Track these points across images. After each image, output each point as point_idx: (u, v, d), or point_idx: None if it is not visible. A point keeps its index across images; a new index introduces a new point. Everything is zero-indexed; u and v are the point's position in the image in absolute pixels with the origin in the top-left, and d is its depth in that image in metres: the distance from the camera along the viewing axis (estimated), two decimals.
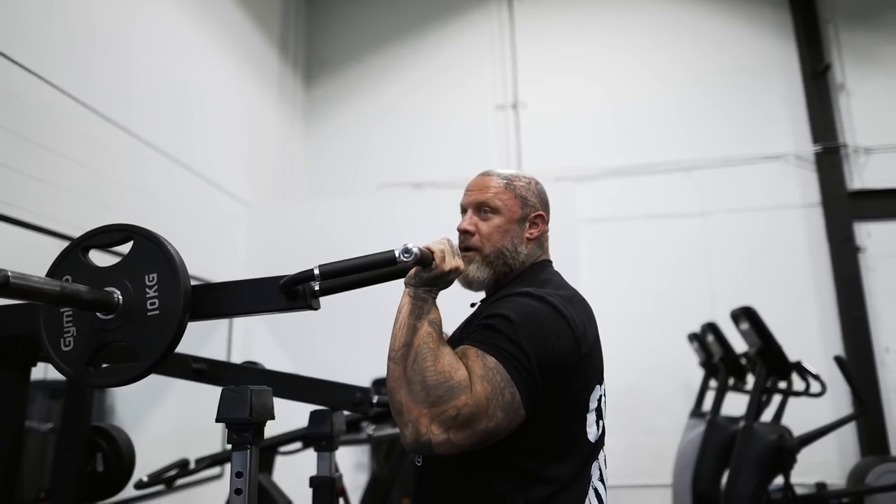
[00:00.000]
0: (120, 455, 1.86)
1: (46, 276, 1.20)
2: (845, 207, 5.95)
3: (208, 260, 4.77)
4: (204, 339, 4.74)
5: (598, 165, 6.44)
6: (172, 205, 4.41)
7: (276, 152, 6.38)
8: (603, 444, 1.32)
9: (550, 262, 1.47)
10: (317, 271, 1.18)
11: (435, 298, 1.24)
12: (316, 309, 1.24)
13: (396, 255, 1.15)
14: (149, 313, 1.14)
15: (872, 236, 5.93)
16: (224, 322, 4.99)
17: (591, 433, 1.24)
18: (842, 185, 6.02)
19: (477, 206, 1.43)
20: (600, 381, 1.31)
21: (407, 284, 1.25)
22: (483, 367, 1.11)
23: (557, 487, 1.17)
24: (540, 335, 1.16)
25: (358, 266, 1.19)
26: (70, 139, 3.47)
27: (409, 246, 1.14)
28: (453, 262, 1.22)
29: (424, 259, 1.19)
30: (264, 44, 6.29)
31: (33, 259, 3.18)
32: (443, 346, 1.15)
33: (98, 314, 1.15)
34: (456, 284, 1.33)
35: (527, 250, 1.40)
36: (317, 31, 7.37)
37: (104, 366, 1.19)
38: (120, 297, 1.14)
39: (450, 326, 1.53)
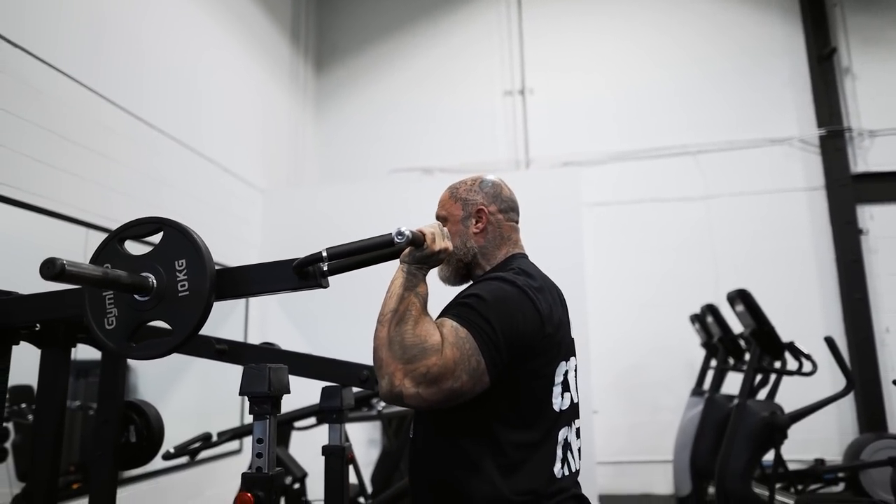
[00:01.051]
0: (151, 427, 2.03)
1: (90, 263, 1.38)
2: (848, 190, 6.03)
3: (225, 244, 4.94)
4: (222, 321, 4.94)
5: (604, 150, 6.54)
6: (189, 191, 4.57)
7: (289, 139, 6.53)
8: (574, 415, 1.46)
9: (523, 254, 1.59)
10: (325, 253, 1.35)
11: (425, 275, 1.41)
12: (325, 287, 1.43)
13: (393, 236, 1.32)
14: (180, 294, 1.32)
15: (875, 219, 6.01)
16: (241, 305, 5.18)
17: (556, 403, 1.38)
18: (845, 169, 6.09)
19: (437, 219, 1.62)
20: (567, 357, 1.44)
21: (401, 262, 1.41)
22: (455, 336, 1.28)
23: (524, 452, 1.32)
24: (508, 313, 1.31)
25: (360, 248, 1.37)
26: (88, 129, 3.62)
27: (403, 229, 1.31)
28: (442, 243, 1.39)
29: (416, 240, 1.36)
30: (275, 31, 6.41)
31: (56, 244, 3.36)
32: (424, 315, 1.33)
33: (136, 296, 1.33)
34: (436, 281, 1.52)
35: (478, 243, 1.54)
36: (327, 18, 7.48)
37: (143, 342, 1.37)
38: (154, 281, 1.33)
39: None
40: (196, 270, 1.33)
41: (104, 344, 1.36)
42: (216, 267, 1.34)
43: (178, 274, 1.33)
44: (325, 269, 1.40)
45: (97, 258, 1.40)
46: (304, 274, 1.38)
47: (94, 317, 1.37)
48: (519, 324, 1.32)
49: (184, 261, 1.33)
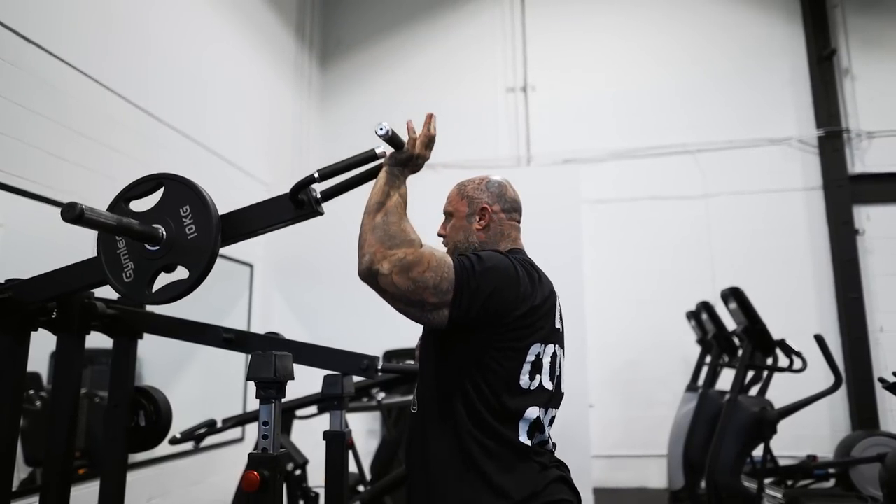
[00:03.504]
0: (159, 412, 2.10)
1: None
2: (846, 191, 6.09)
3: None
4: (226, 313, 5.03)
5: (605, 147, 6.60)
6: None
7: (293, 133, 6.59)
8: (549, 401, 1.52)
9: (521, 250, 1.67)
10: (316, 174, 1.48)
11: (405, 178, 1.53)
12: (321, 213, 1.56)
13: (376, 132, 1.42)
14: (189, 237, 1.43)
15: (871, 219, 6.08)
16: (244, 296, 5.27)
17: (524, 381, 1.46)
18: (843, 169, 6.15)
19: (444, 213, 1.73)
20: (545, 342, 1.51)
21: (385, 164, 1.53)
22: (441, 256, 1.42)
23: (492, 416, 1.42)
24: (494, 277, 1.43)
25: (348, 164, 1.51)
26: (96, 122, 3.69)
27: (383, 123, 1.42)
28: (422, 150, 1.52)
29: (396, 140, 1.48)
30: (280, 25, 6.47)
31: (64, 235, 3.43)
32: (406, 218, 1.46)
33: (147, 246, 1.43)
34: None
35: (479, 239, 1.64)
36: (332, 14, 7.54)
37: (161, 287, 1.46)
38: (164, 231, 1.43)
39: None
40: (201, 213, 1.43)
41: (126, 295, 1.45)
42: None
43: (184, 219, 1.44)
44: (318, 195, 1.51)
45: None
46: (299, 202, 1.49)
47: (112, 272, 1.47)
48: (499, 291, 1.42)
49: (188, 206, 1.45)
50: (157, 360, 4.12)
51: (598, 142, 6.64)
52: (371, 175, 1.58)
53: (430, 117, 1.56)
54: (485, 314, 1.41)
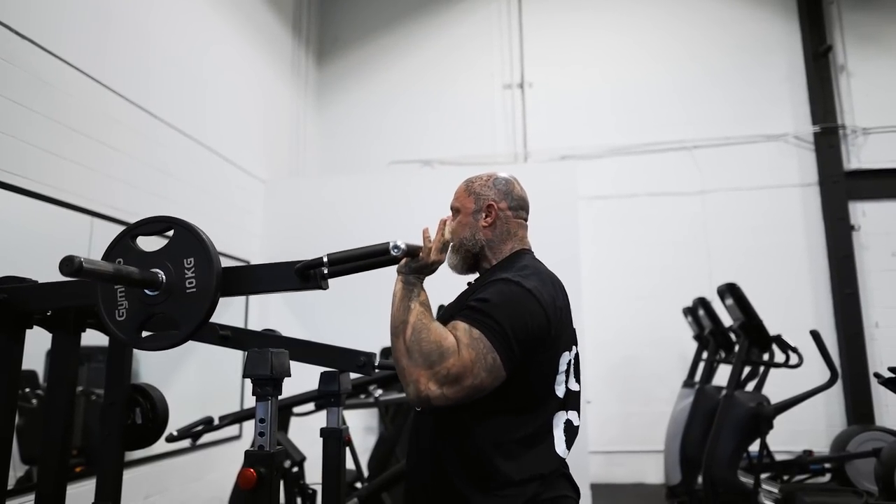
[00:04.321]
0: (156, 410, 2.10)
1: (102, 259, 1.46)
2: (841, 187, 6.11)
3: (226, 234, 5.02)
4: (223, 310, 5.00)
5: (602, 144, 6.61)
6: (192, 181, 4.64)
7: (290, 130, 6.58)
8: (574, 400, 1.56)
9: (528, 250, 1.68)
10: (325, 259, 1.44)
11: (422, 282, 1.51)
12: (325, 289, 1.52)
13: (389, 247, 1.41)
14: (187, 290, 1.41)
15: (867, 215, 6.10)
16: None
17: (560, 390, 1.49)
18: (839, 166, 6.17)
19: (451, 209, 1.72)
20: (569, 348, 1.54)
21: (399, 272, 1.51)
22: (469, 338, 1.37)
23: (529, 438, 1.43)
24: (515, 312, 1.41)
25: (358, 255, 1.46)
26: (94, 119, 3.68)
27: (399, 243, 1.41)
28: (437, 256, 1.50)
29: (411, 251, 1.46)
30: (277, 22, 6.46)
31: (61, 232, 3.43)
32: (433, 322, 1.42)
33: (146, 291, 1.41)
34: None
35: (485, 236, 1.64)
36: (329, 10, 7.53)
37: (152, 333, 1.46)
38: (164, 277, 1.41)
39: (445, 299, 1.79)
40: (204, 269, 1.41)
41: (115, 335, 1.45)
42: (222, 266, 1.43)
43: (186, 271, 1.42)
44: (326, 272, 1.49)
45: (110, 253, 1.48)
46: (305, 276, 1.47)
47: (106, 309, 1.46)
48: (526, 320, 1.41)
49: (192, 259, 1.42)
50: (154, 357, 4.11)
51: (595, 138, 6.64)
52: (384, 264, 1.52)
53: (443, 223, 1.54)
54: (529, 349, 1.42)
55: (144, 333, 1.46)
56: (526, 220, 1.71)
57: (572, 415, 1.52)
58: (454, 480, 1.43)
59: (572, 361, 1.55)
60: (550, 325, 1.44)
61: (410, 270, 1.50)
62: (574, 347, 1.57)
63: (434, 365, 1.34)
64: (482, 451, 1.41)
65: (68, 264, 1.21)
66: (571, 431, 1.51)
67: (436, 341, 1.37)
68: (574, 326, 1.62)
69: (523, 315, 1.41)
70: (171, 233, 1.47)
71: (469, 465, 1.42)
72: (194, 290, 1.40)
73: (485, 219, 1.64)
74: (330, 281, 1.49)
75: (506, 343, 1.37)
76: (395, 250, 1.41)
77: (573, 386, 1.54)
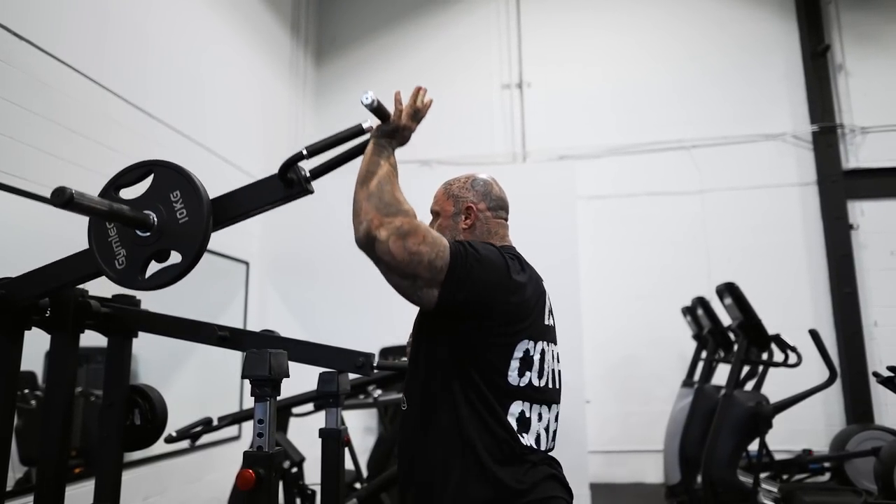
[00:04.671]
0: (155, 410, 2.10)
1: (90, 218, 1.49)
2: (840, 186, 6.11)
3: (225, 235, 4.97)
4: (221, 311, 5.02)
5: (600, 144, 6.61)
6: None
7: (289, 130, 6.58)
8: (538, 399, 1.49)
9: (509, 246, 1.66)
10: (304, 151, 1.49)
11: (393, 149, 1.54)
12: (311, 192, 1.55)
13: (361, 103, 1.43)
14: (180, 221, 1.42)
15: (865, 214, 6.10)
16: (240, 294, 5.26)
17: (513, 377, 1.45)
18: (837, 165, 6.17)
19: (431, 213, 1.74)
20: (535, 339, 1.51)
21: (372, 136, 1.54)
22: (437, 234, 1.42)
23: (482, 412, 1.42)
24: (486, 266, 1.43)
25: (336, 139, 1.52)
26: (92, 120, 3.67)
27: (369, 93, 1.43)
28: (408, 121, 1.52)
29: (381, 111, 1.48)
30: (276, 23, 6.46)
31: (60, 233, 3.43)
32: (400, 187, 1.47)
33: (138, 232, 1.42)
34: None
35: (466, 238, 1.63)
36: (327, 10, 7.52)
37: (154, 273, 1.45)
38: (154, 217, 1.42)
39: None
40: (191, 198, 1.43)
41: (119, 283, 1.45)
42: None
43: (175, 204, 1.44)
44: (308, 174, 1.51)
45: None
46: (288, 182, 1.49)
47: (104, 260, 1.46)
48: (489, 275, 1.43)
49: (178, 192, 1.44)
50: (153, 358, 4.11)
51: (594, 138, 6.64)
52: (359, 151, 1.60)
53: (417, 90, 1.56)
54: (473, 302, 1.41)
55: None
56: (506, 219, 1.71)
57: (525, 406, 1.47)
58: (441, 473, 1.43)
59: (536, 356, 1.49)
60: (509, 297, 1.44)
61: (382, 133, 1.53)
62: (543, 343, 1.53)
63: (390, 214, 1.38)
64: (454, 435, 1.42)
65: (59, 194, 1.21)
66: (524, 424, 1.46)
67: (399, 199, 1.42)
68: (551, 324, 1.60)
69: (490, 271, 1.43)
70: (151, 177, 1.49)
71: (453, 455, 1.42)
72: (186, 218, 1.42)
73: (464, 221, 1.65)
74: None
75: (460, 270, 1.39)
76: (367, 100, 1.42)
77: (535, 381, 1.48)
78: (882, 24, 6.42)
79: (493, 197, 1.68)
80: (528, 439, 1.45)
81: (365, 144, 1.57)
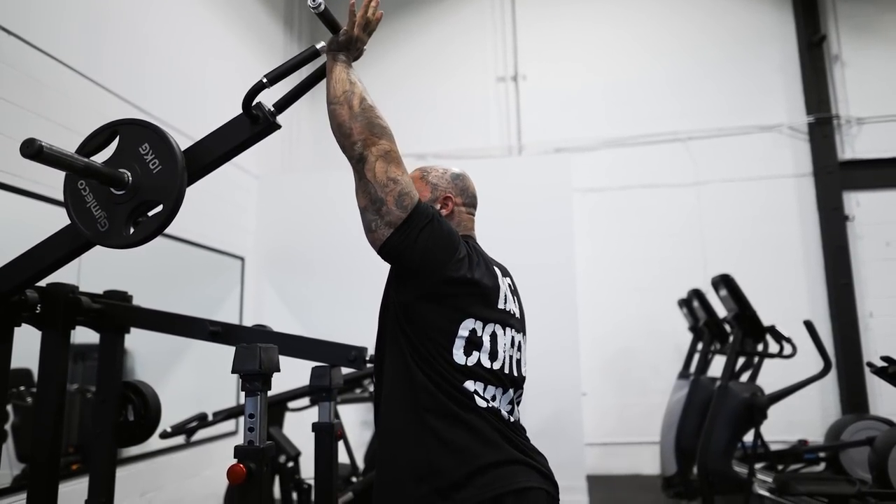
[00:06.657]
0: (148, 407, 2.11)
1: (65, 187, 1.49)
2: (835, 177, 6.11)
3: (220, 231, 4.99)
4: (217, 307, 5.02)
5: (596, 136, 6.60)
6: None
7: (283, 125, 6.53)
8: (488, 380, 1.47)
9: (471, 237, 1.68)
10: (265, 79, 1.52)
11: (351, 62, 1.55)
12: (278, 126, 1.58)
13: (309, 6, 1.43)
14: (154, 171, 1.41)
15: (861, 205, 6.11)
16: (236, 290, 5.26)
17: (458, 355, 1.44)
18: (833, 156, 6.17)
19: None
20: (484, 320, 1.49)
21: (328, 50, 1.54)
22: (411, 179, 1.46)
23: (438, 379, 1.42)
24: (439, 234, 1.43)
25: (293, 64, 1.54)
26: (89, 119, 3.63)
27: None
28: (360, 31, 1.53)
29: (329, 19, 1.48)
30: (269, 19, 6.43)
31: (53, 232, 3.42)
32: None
33: (114, 190, 1.41)
34: None
35: None
36: None
37: (137, 226, 1.43)
38: (129, 175, 1.41)
39: None
40: (160, 146, 1.42)
41: (106, 244, 1.43)
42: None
43: (146, 157, 1.43)
44: (272, 109, 1.54)
45: (68, 180, 1.49)
46: (254, 117, 1.51)
47: (86, 227, 1.44)
48: (437, 241, 1.43)
49: (146, 144, 1.43)
50: (148, 353, 4.11)
51: (589, 130, 6.63)
52: (318, 78, 1.63)
53: (368, 1, 1.54)
54: (417, 261, 1.42)
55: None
56: (474, 215, 1.74)
57: (477, 385, 1.45)
58: (401, 444, 1.43)
59: (486, 337, 1.49)
60: (448, 269, 1.43)
61: (338, 46, 1.53)
62: (494, 326, 1.51)
63: (379, 136, 1.43)
64: (415, 420, 1.42)
65: (29, 145, 1.19)
66: (476, 410, 1.44)
67: (383, 120, 1.46)
68: (511, 311, 1.58)
69: (441, 239, 1.44)
70: (117, 139, 1.48)
71: (410, 423, 1.43)
72: (160, 167, 1.41)
73: (441, 210, 1.64)
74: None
75: (416, 223, 1.40)
76: (313, 2, 1.43)
77: (485, 361, 1.47)
78: (878, 14, 6.40)
79: (469, 193, 1.70)
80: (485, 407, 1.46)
81: (323, 71, 1.58)
